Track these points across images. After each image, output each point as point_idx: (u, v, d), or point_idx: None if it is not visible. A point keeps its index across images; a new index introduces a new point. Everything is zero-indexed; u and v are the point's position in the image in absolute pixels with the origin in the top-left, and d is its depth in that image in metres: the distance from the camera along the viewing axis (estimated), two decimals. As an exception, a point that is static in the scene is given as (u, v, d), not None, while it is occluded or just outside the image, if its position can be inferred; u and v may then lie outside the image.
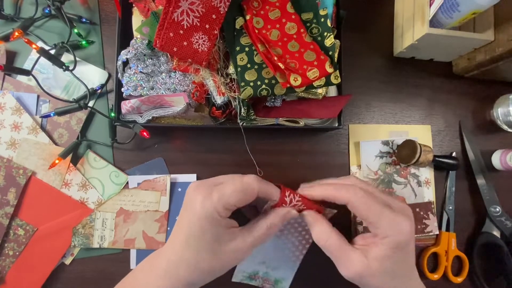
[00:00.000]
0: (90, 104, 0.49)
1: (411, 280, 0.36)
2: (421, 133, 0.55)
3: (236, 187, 0.34)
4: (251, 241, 0.35)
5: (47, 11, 0.49)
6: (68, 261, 0.47)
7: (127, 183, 0.49)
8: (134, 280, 0.37)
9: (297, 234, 0.47)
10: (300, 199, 0.37)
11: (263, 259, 0.49)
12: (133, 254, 0.48)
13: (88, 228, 0.47)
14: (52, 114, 0.45)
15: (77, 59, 0.47)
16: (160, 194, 0.48)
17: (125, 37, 0.44)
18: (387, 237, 0.33)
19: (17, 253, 0.46)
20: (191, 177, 0.50)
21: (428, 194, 0.53)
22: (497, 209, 0.53)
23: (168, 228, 0.48)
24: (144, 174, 0.49)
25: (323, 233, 0.35)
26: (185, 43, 0.40)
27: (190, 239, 0.33)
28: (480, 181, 0.54)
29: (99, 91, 0.50)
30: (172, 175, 0.49)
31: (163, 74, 0.44)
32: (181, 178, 0.50)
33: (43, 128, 0.48)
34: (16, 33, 0.42)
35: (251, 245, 0.35)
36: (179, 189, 0.50)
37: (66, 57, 0.49)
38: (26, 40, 0.42)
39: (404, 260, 0.35)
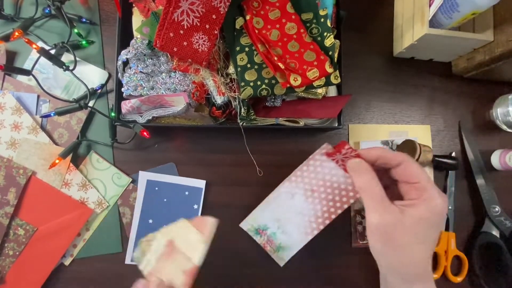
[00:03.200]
0: (90, 104, 0.49)
1: (430, 260, 0.37)
2: (421, 133, 0.55)
3: None
4: None
5: (47, 11, 0.49)
6: (67, 261, 0.47)
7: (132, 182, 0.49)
8: None
9: (328, 200, 0.44)
10: (354, 154, 0.38)
11: (280, 216, 0.45)
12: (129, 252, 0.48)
13: None
14: (52, 114, 0.45)
15: (77, 59, 0.47)
16: None
17: (125, 37, 0.44)
18: (433, 199, 0.34)
19: (17, 253, 0.46)
20: (200, 183, 0.50)
21: (428, 194, 0.53)
22: (497, 209, 0.53)
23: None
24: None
25: (369, 181, 0.36)
26: (185, 43, 0.40)
27: None
28: (480, 181, 0.54)
29: (99, 91, 0.50)
30: (174, 177, 0.50)
31: (163, 74, 0.44)
32: (187, 181, 0.50)
33: (43, 128, 0.48)
34: (16, 33, 0.42)
35: None
36: (186, 193, 0.50)
37: (66, 57, 0.49)
38: (26, 40, 0.42)
39: (437, 229, 0.36)
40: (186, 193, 0.50)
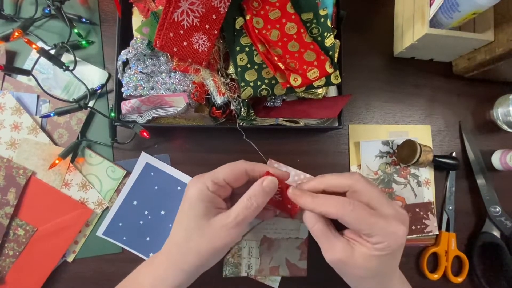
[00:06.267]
0: (90, 104, 0.49)
1: (392, 280, 0.37)
2: (421, 133, 0.55)
3: (225, 166, 0.37)
4: (234, 215, 0.35)
5: (47, 11, 0.49)
6: (70, 258, 0.47)
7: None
8: (137, 274, 0.38)
9: None
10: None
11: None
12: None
13: (236, 257, 0.48)
14: (52, 114, 0.45)
15: (77, 59, 0.47)
16: (299, 221, 0.49)
17: (125, 37, 0.44)
18: (379, 243, 0.33)
19: (17, 253, 0.46)
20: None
21: (428, 194, 0.53)
22: (497, 209, 0.53)
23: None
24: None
25: (312, 218, 0.36)
26: (185, 43, 0.40)
27: (181, 217, 0.36)
28: (480, 181, 0.54)
29: (99, 91, 0.50)
30: (172, 168, 0.50)
31: (163, 74, 0.44)
32: (183, 177, 0.50)
33: (43, 128, 0.48)
34: (16, 33, 0.42)
35: (235, 220, 0.35)
36: (178, 188, 0.50)
37: (66, 57, 0.49)
38: (26, 40, 0.42)
39: (390, 263, 0.36)
40: (178, 188, 0.49)
